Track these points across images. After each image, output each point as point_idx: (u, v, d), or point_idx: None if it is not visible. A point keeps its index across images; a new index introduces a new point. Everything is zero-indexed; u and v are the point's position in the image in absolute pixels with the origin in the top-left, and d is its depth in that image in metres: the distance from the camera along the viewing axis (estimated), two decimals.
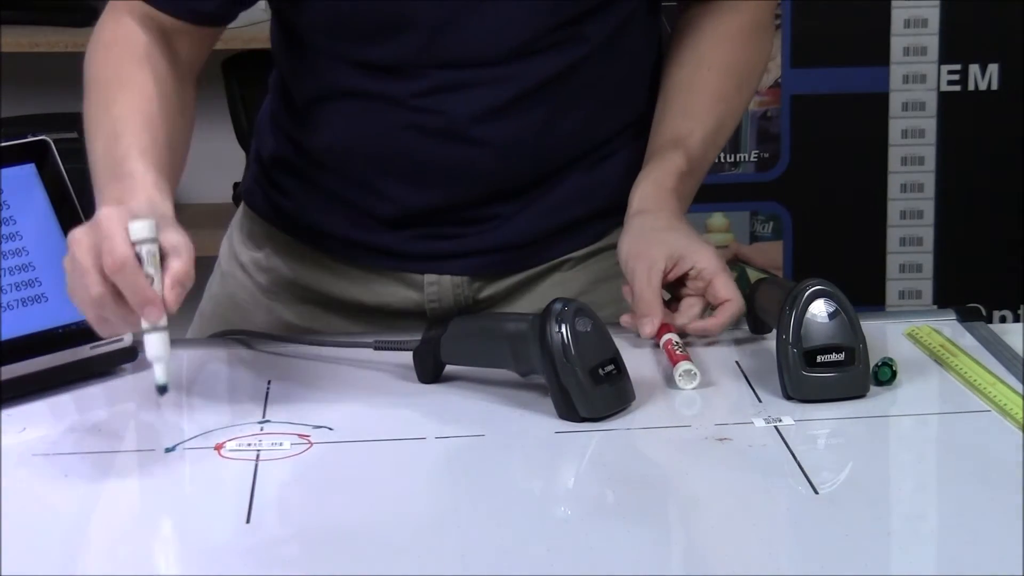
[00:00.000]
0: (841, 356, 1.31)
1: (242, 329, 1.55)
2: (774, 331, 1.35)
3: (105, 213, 1.24)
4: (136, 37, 1.44)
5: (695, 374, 1.35)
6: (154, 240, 1.23)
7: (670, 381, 1.36)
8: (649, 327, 1.41)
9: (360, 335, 1.49)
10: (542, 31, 1.45)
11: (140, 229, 1.23)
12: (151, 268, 1.23)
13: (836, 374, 1.32)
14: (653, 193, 1.50)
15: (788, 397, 1.32)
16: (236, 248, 1.65)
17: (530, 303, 1.56)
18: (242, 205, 1.67)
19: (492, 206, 1.53)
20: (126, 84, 1.41)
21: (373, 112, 1.49)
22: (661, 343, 1.41)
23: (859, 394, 1.32)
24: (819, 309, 1.32)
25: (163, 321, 1.23)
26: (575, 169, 1.55)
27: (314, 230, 1.58)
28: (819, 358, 1.31)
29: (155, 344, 1.24)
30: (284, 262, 1.61)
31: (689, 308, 1.44)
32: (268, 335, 1.52)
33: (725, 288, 1.42)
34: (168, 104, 1.41)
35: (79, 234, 1.24)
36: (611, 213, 1.55)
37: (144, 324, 1.23)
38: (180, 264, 1.24)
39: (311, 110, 1.53)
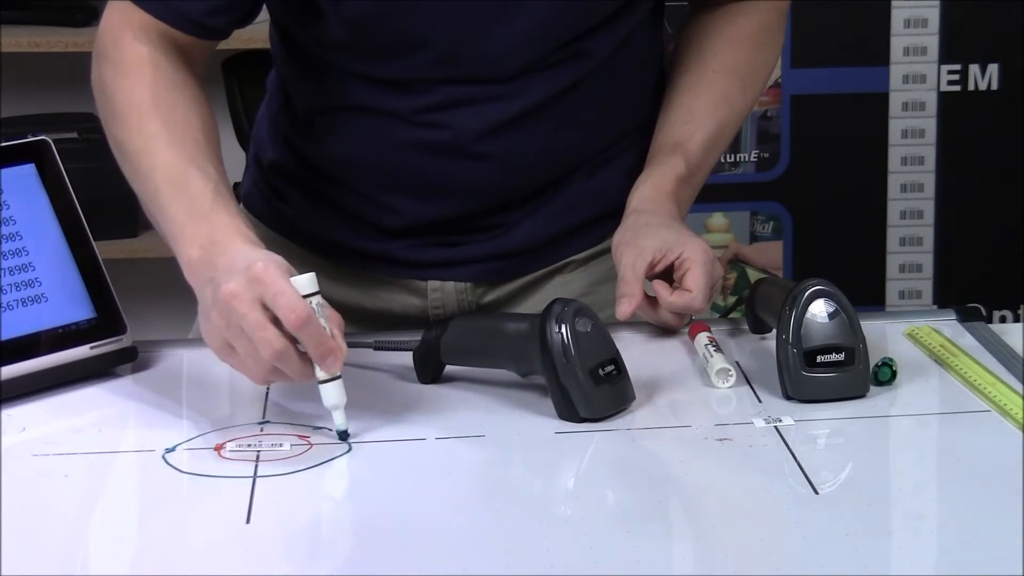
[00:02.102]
0: (841, 356, 1.31)
1: None
2: (774, 331, 1.35)
3: (261, 267, 1.22)
4: (160, 59, 1.42)
5: (731, 373, 1.36)
6: (318, 292, 1.24)
7: (704, 378, 1.37)
8: (625, 306, 1.41)
9: (360, 335, 1.49)
10: (552, 48, 1.45)
11: (308, 283, 1.23)
12: (323, 320, 1.23)
13: (836, 374, 1.31)
14: (651, 196, 1.50)
15: (788, 397, 1.32)
16: None
17: (532, 306, 1.56)
18: (241, 208, 1.66)
19: (496, 216, 1.53)
20: (169, 111, 1.39)
21: (377, 126, 1.48)
22: (695, 342, 1.41)
23: (859, 394, 1.32)
24: (819, 309, 1.32)
25: (339, 370, 1.25)
26: (578, 174, 1.54)
27: (315, 237, 1.58)
28: (819, 358, 1.31)
29: (334, 393, 1.25)
30: None
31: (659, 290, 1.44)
32: None
33: (692, 279, 1.41)
34: (210, 125, 1.41)
35: (235, 288, 1.21)
36: (614, 215, 1.56)
37: (321, 375, 1.24)
38: (333, 311, 1.25)
39: (313, 121, 1.53)
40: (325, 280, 1.58)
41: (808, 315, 1.31)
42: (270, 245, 1.60)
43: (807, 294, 1.32)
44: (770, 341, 1.38)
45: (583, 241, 1.58)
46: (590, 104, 1.51)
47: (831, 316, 1.32)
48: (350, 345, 1.44)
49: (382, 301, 1.57)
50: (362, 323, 1.58)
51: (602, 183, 1.56)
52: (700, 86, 1.55)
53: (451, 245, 1.54)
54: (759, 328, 1.46)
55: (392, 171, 1.50)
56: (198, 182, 1.34)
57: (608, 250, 1.56)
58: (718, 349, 1.39)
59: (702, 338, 1.41)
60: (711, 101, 1.55)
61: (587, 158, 1.54)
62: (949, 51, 2.95)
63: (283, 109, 1.57)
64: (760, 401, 1.33)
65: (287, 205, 1.59)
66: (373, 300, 1.58)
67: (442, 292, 1.56)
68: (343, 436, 1.26)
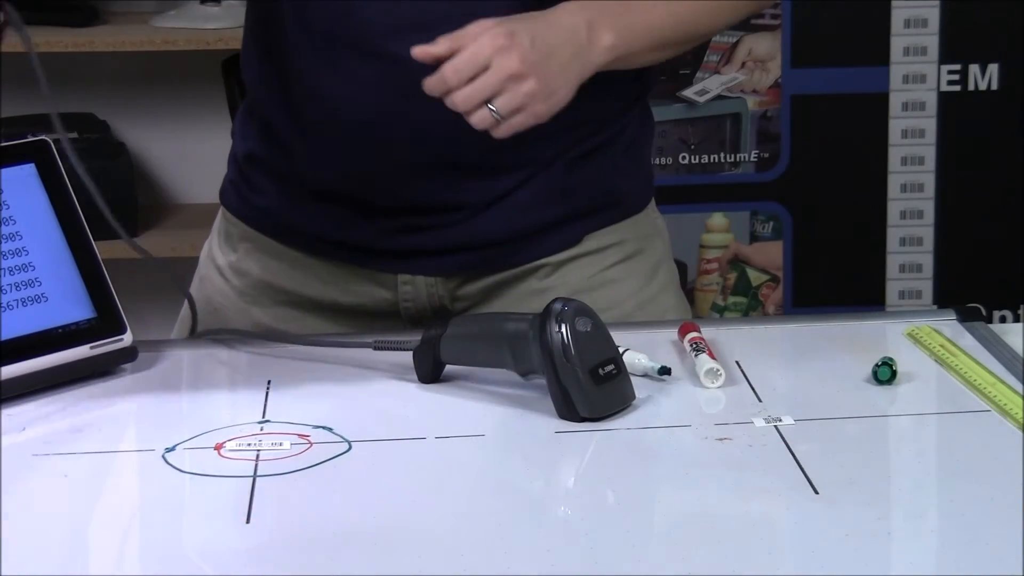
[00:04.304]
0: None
1: (243, 329, 1.55)
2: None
3: None
4: None
5: (720, 372, 1.36)
6: None
7: (693, 378, 1.37)
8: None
9: (360, 335, 1.49)
10: None
11: None
12: None
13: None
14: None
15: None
16: (214, 252, 1.65)
17: (504, 306, 1.55)
18: (221, 208, 1.67)
19: (459, 186, 1.51)
20: None
21: (339, 62, 1.47)
22: (685, 341, 1.41)
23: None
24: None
25: None
26: (552, 166, 1.53)
27: (288, 228, 1.58)
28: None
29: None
30: (258, 263, 1.60)
31: None
32: (268, 335, 1.51)
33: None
34: None
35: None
36: (589, 215, 1.55)
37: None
38: None
39: (282, 69, 1.53)
40: (299, 276, 1.59)
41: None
42: (246, 241, 1.61)
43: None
44: (771, 342, 1.38)
45: (556, 241, 1.56)
46: None
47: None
48: (350, 345, 1.45)
49: (355, 296, 1.57)
50: (336, 318, 1.58)
51: (577, 179, 1.54)
52: None
53: (418, 230, 1.53)
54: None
55: (352, 119, 1.48)
56: None
57: (584, 255, 1.56)
58: (699, 350, 1.38)
59: (688, 338, 1.41)
60: None
61: (548, 134, 1.48)
62: (949, 51, 2.95)
63: (251, 91, 1.59)
64: (760, 401, 1.33)
65: (260, 195, 1.59)
66: (347, 295, 1.58)
67: (412, 286, 1.56)
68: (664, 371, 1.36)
